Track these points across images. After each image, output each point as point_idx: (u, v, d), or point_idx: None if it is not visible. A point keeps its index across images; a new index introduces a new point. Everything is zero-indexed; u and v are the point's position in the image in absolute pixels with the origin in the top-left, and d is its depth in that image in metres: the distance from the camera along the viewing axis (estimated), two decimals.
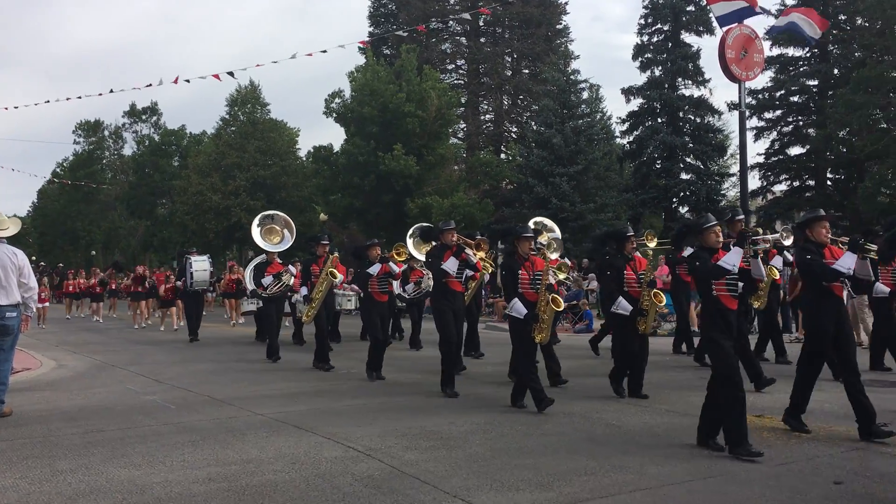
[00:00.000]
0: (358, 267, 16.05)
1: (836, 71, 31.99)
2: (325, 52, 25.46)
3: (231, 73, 23.00)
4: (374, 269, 11.03)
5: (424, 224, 15.12)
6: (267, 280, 13.61)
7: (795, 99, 33.49)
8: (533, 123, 36.09)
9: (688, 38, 33.51)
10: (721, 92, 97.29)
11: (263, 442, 6.95)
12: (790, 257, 10.46)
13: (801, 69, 32.80)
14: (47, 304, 24.33)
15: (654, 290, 9.14)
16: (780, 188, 34.44)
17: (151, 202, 53.99)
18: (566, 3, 42.23)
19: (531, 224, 12.12)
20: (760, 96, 33.18)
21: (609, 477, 5.75)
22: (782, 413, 7.30)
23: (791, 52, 32.45)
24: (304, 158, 44.03)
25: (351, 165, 33.24)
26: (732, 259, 6.30)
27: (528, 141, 34.32)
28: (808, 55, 32.48)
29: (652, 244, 10.97)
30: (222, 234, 41.82)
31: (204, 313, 19.57)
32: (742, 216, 10.74)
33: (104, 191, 56.91)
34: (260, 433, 7.32)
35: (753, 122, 33.00)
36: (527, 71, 41.99)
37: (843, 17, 32.28)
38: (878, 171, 28.26)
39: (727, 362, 6.33)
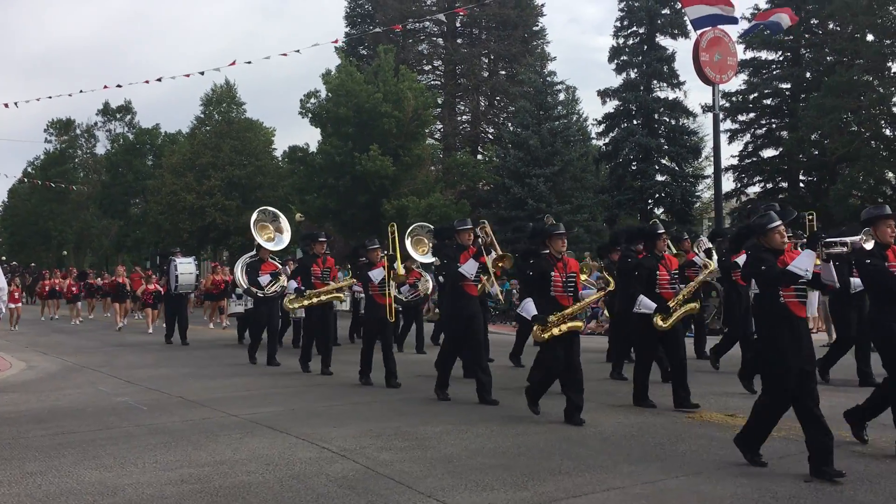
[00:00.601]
0: (356, 266, 15.54)
1: (808, 74, 32.37)
2: (298, 51, 25.55)
3: (202, 73, 22.93)
4: (377, 276, 10.36)
5: (415, 225, 14.31)
6: (264, 279, 13.00)
7: (768, 102, 33.84)
8: (509, 124, 36.15)
9: (663, 40, 33.74)
10: (695, 94, 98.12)
11: (237, 443, 6.91)
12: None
13: (774, 72, 33.15)
14: (20, 304, 23.81)
15: (692, 305, 8.63)
16: (753, 190, 34.76)
17: (125, 202, 53.43)
18: (543, 5, 42.38)
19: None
20: (734, 99, 33.48)
21: (583, 476, 5.78)
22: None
23: (764, 55, 32.80)
24: (280, 158, 43.83)
25: (327, 166, 33.11)
26: (805, 263, 5.65)
27: (504, 142, 34.37)
28: (780, 59, 32.86)
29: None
30: (197, 235, 41.49)
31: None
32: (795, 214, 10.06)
33: (76, 190, 56.25)
34: (233, 434, 7.27)
35: (727, 124, 33.28)
36: (503, 72, 42.07)
37: (815, 22, 32.68)
38: (849, 173, 28.63)
39: (784, 385, 5.77)
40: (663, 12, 33.22)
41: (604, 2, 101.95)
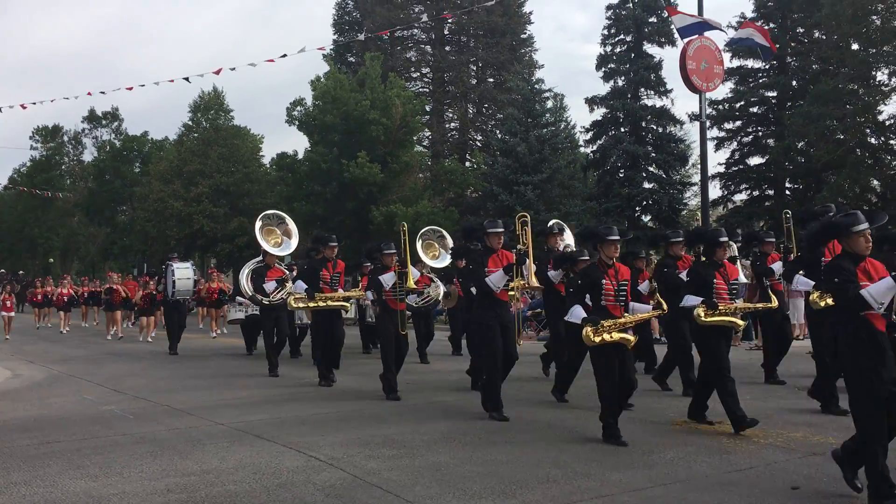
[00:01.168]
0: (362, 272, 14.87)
1: (794, 83, 32.61)
2: (284, 56, 25.34)
3: (187, 79, 22.85)
4: (389, 280, 9.88)
5: (426, 229, 13.66)
6: (270, 286, 12.58)
7: (755, 110, 34.06)
8: (497, 132, 36.22)
9: (650, 48, 33.87)
10: (682, 102, 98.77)
11: (224, 452, 6.87)
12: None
13: (761, 81, 33.38)
14: (13, 313, 23.32)
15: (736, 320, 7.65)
16: (740, 197, 34.96)
17: (112, 209, 53.16)
18: (531, 13, 42.57)
19: (552, 224, 11.05)
20: (720, 107, 33.69)
21: (571, 484, 5.77)
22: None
23: (750, 63, 32.99)
24: (268, 166, 43.75)
25: (314, 173, 33.08)
26: (882, 296, 4.99)
27: (492, 149, 34.43)
28: (766, 67, 33.07)
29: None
30: (184, 242, 41.31)
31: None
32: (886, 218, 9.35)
33: (63, 197, 55.94)
34: (220, 443, 7.23)
35: (714, 132, 33.46)
36: (491, 80, 42.18)
37: (801, 30, 32.95)
38: (835, 181, 28.85)
39: (878, 398, 5.07)
40: (650, 20, 33.38)
41: (591, 10, 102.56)
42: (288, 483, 5.84)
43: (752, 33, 19.60)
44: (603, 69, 34.16)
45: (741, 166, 34.32)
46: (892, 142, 29.75)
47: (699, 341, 7.70)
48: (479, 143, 42.23)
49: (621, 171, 33.56)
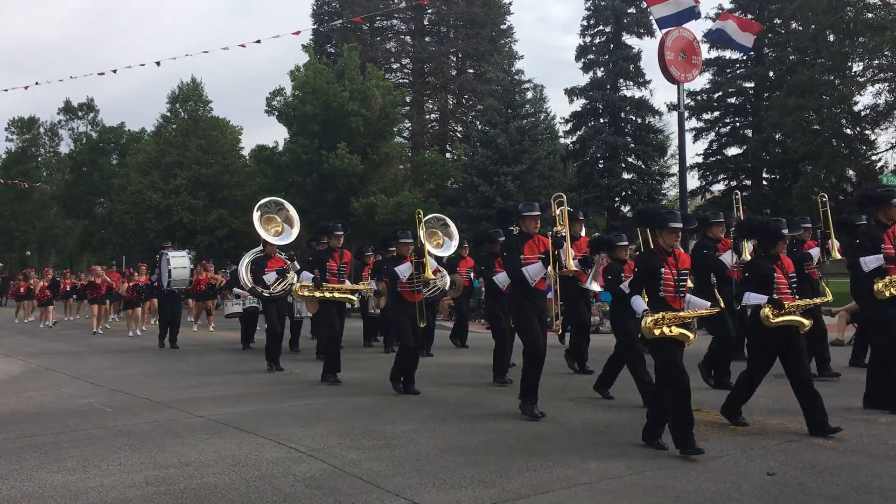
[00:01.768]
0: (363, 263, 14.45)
1: (771, 74, 32.90)
2: (258, 41, 25.33)
3: (158, 63, 22.70)
4: (406, 271, 9.34)
5: (430, 216, 12.62)
6: (270, 277, 11.93)
7: (732, 101, 34.35)
8: (478, 123, 36.26)
9: (629, 39, 34.05)
10: (661, 93, 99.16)
11: (203, 444, 6.84)
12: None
13: (738, 72, 33.65)
14: None
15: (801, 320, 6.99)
16: (718, 188, 35.26)
17: (89, 201, 52.66)
18: (510, 4, 42.61)
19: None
20: (699, 98, 33.94)
21: (550, 473, 5.81)
22: (719, 407, 7.46)
23: (728, 55, 33.23)
24: (247, 157, 43.49)
25: (294, 164, 32.96)
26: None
27: (472, 140, 34.46)
28: (744, 58, 33.30)
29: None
30: (163, 234, 40.99)
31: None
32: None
33: (39, 189, 55.31)
34: (200, 435, 7.21)
35: (692, 123, 33.75)
36: (471, 70, 42.16)
37: (778, 21, 33.20)
38: (811, 171, 29.16)
39: None
40: (629, 11, 33.51)
41: (571, 1, 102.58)
42: (268, 474, 5.84)
43: (729, 26, 19.68)
44: (582, 60, 34.28)
45: (719, 157, 34.62)
46: (867, 132, 30.10)
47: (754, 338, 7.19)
48: (459, 134, 42.24)
49: (601, 161, 33.72)
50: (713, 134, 34.65)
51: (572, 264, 8.15)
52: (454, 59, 42.96)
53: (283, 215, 12.37)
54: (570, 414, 8.06)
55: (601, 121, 33.86)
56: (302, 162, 32.38)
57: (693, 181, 34.08)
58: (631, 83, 34.04)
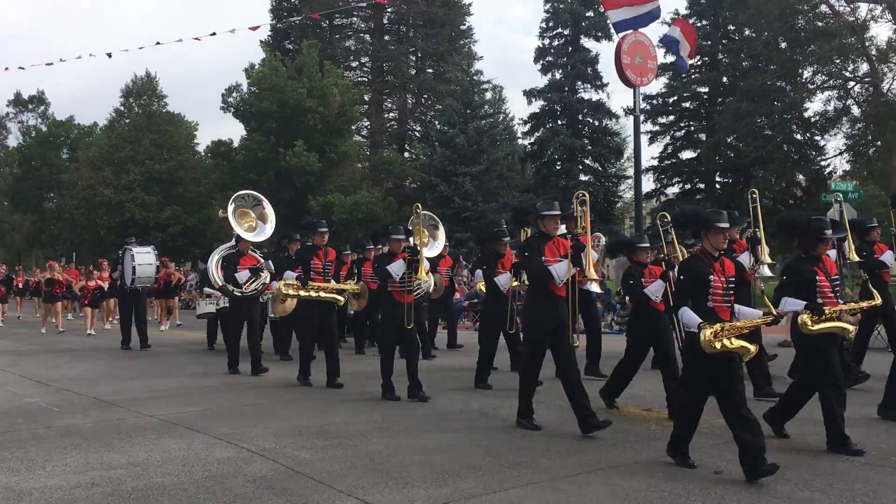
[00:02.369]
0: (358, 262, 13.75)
1: (724, 79, 33.48)
2: (214, 34, 25.03)
3: (109, 55, 22.36)
4: (398, 270, 8.80)
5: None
6: (243, 275, 11.23)
7: (687, 105, 34.89)
8: (436, 123, 36.28)
9: (587, 42, 34.38)
10: (618, 97, 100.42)
11: (152, 444, 6.73)
12: None
13: (693, 76, 34.16)
14: None
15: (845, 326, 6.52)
16: (672, 190, 35.79)
17: (38, 196, 51.53)
18: (470, 5, 42.68)
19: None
20: (654, 102, 34.40)
21: (503, 472, 5.84)
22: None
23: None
24: (203, 153, 42.94)
25: (250, 161, 32.63)
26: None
27: (431, 140, 34.49)
28: (699, 63, 33.85)
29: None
30: (115, 230, 40.28)
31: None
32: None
33: None
34: (148, 435, 7.09)
35: (648, 126, 34.19)
36: (431, 70, 42.20)
37: (731, 28, 33.80)
38: (762, 175, 29.75)
39: None
40: (587, 15, 33.84)
41: (532, 3, 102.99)
42: (217, 475, 5.76)
43: (678, 35, 19.95)
44: (541, 62, 34.53)
45: (674, 160, 35.13)
46: (816, 138, 30.79)
47: (803, 343, 6.66)
48: (418, 134, 42.24)
49: (558, 163, 33.99)
50: (668, 137, 35.16)
51: (593, 272, 7.46)
52: (413, 59, 42.95)
53: (258, 211, 11.86)
54: None
55: (559, 122, 34.13)
56: (258, 159, 32.09)
57: (648, 184, 34.59)
58: (589, 86, 34.39)
